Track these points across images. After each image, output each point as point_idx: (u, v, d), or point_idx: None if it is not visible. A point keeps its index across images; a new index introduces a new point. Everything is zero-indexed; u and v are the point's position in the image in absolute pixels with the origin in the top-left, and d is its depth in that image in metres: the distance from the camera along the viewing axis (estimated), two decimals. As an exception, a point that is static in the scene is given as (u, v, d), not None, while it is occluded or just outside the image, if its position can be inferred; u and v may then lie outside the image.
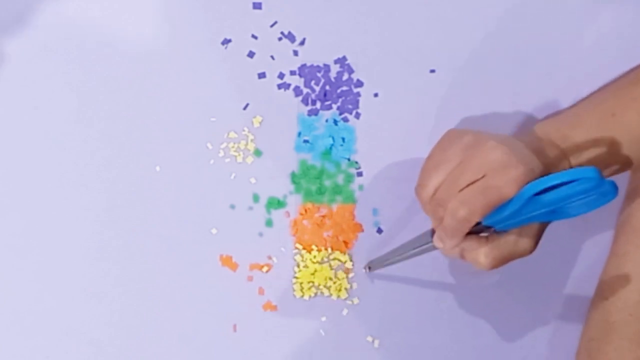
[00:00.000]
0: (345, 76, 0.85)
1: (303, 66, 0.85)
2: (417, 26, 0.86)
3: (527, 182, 0.72)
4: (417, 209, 0.84)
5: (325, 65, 0.85)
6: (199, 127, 0.85)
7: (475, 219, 0.73)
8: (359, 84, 0.85)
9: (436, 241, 0.77)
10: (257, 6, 0.86)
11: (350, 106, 0.85)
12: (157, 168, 0.84)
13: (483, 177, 0.73)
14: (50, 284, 0.83)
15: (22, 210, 0.83)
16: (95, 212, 0.84)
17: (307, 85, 0.85)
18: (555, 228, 0.78)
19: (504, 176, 0.72)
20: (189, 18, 0.85)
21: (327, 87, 0.85)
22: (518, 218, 0.73)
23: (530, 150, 0.75)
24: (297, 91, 0.85)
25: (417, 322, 0.85)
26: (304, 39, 0.86)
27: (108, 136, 0.84)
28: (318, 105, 0.85)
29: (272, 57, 0.86)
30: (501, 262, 0.76)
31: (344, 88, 0.85)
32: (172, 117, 0.84)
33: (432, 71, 0.86)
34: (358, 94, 0.85)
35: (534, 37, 0.86)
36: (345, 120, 0.85)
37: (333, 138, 0.85)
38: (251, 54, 0.86)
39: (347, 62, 0.85)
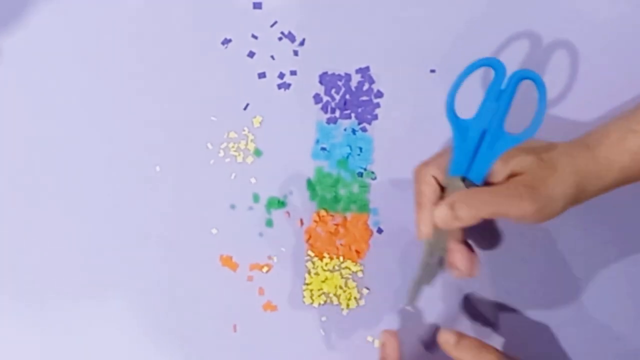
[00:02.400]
0: (366, 86, 0.85)
1: (324, 74, 0.85)
2: (416, 26, 0.86)
3: None
4: (417, 209, 0.84)
5: (346, 74, 0.85)
6: (199, 127, 0.85)
7: (429, 172, 0.72)
8: (379, 94, 0.85)
9: (416, 233, 0.74)
10: (257, 6, 0.86)
11: (368, 116, 0.85)
12: (157, 168, 0.84)
13: None
14: (50, 284, 0.83)
15: (22, 210, 0.84)
16: (96, 212, 0.84)
17: (327, 93, 0.85)
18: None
19: None
20: (189, 18, 0.86)
21: (348, 97, 0.85)
22: (478, 158, 0.72)
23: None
24: (317, 99, 0.85)
25: (417, 322, 0.85)
26: (304, 39, 0.86)
27: (108, 136, 0.84)
28: (337, 113, 0.85)
29: (272, 57, 0.86)
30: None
31: (364, 98, 0.85)
32: (172, 117, 0.85)
33: (433, 71, 0.86)
34: (377, 105, 0.85)
35: (534, 36, 0.86)
36: (364, 130, 0.85)
37: (350, 147, 0.85)
38: (251, 54, 0.86)
39: (368, 73, 0.85)
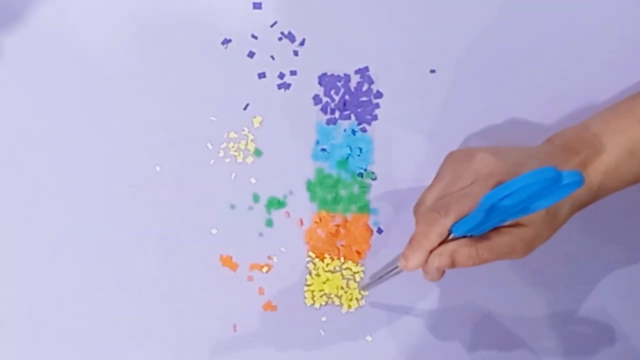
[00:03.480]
0: (365, 87, 0.85)
1: (323, 75, 0.85)
2: (416, 26, 0.86)
3: None
4: (417, 209, 0.84)
5: (345, 75, 0.85)
6: (199, 127, 0.85)
7: (446, 224, 0.71)
8: (379, 95, 0.85)
9: (399, 259, 0.74)
10: (257, 6, 0.86)
11: (368, 117, 0.85)
12: (157, 168, 0.84)
13: (471, 184, 0.73)
14: (50, 283, 0.83)
15: (21, 210, 0.83)
16: (96, 212, 0.84)
17: (326, 94, 0.85)
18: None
19: (485, 183, 0.71)
20: (189, 18, 0.85)
21: (347, 97, 0.85)
22: (486, 225, 0.71)
23: (540, 159, 0.74)
24: (317, 100, 0.85)
25: (417, 321, 0.85)
26: (304, 39, 0.86)
27: (108, 136, 0.84)
28: (337, 114, 0.85)
29: (272, 57, 0.86)
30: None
31: (364, 98, 0.85)
32: (172, 117, 0.85)
33: (433, 71, 0.86)
34: (377, 105, 0.85)
35: (534, 36, 0.86)
36: (364, 130, 0.85)
37: (350, 148, 0.85)
38: (251, 54, 0.86)
39: (367, 73, 0.85)
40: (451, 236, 0.72)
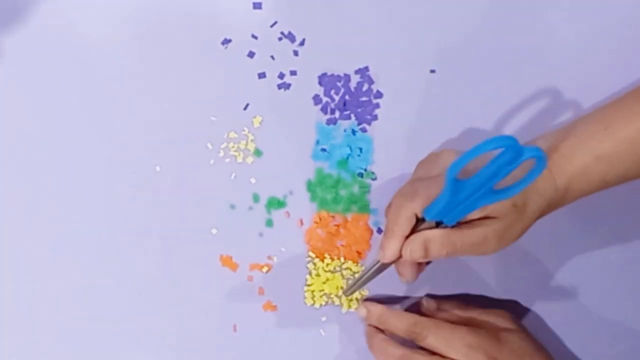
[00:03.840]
0: (365, 87, 0.85)
1: (323, 75, 0.85)
2: (416, 26, 0.86)
3: None
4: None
5: (345, 75, 0.85)
6: (199, 127, 0.85)
7: (413, 208, 0.72)
8: (379, 95, 0.85)
9: (378, 252, 0.76)
10: (257, 6, 0.86)
11: (368, 117, 0.85)
12: (157, 168, 0.84)
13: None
14: (50, 283, 0.83)
15: (21, 210, 0.83)
16: (96, 212, 0.84)
17: (326, 94, 0.85)
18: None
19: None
20: (189, 18, 0.86)
21: (347, 97, 0.85)
22: (456, 210, 0.72)
23: None
24: (317, 100, 0.85)
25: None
26: (304, 39, 0.86)
27: (108, 136, 0.84)
28: (337, 114, 0.85)
29: (272, 57, 0.86)
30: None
31: (364, 98, 0.85)
32: (172, 117, 0.85)
33: (433, 71, 0.86)
34: (377, 105, 0.85)
35: (534, 36, 0.86)
36: (364, 130, 0.85)
37: (350, 148, 0.85)
38: (251, 54, 0.86)
39: (367, 73, 0.85)
40: (425, 224, 0.73)
